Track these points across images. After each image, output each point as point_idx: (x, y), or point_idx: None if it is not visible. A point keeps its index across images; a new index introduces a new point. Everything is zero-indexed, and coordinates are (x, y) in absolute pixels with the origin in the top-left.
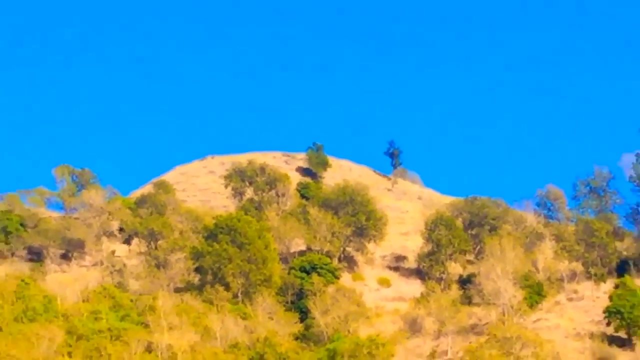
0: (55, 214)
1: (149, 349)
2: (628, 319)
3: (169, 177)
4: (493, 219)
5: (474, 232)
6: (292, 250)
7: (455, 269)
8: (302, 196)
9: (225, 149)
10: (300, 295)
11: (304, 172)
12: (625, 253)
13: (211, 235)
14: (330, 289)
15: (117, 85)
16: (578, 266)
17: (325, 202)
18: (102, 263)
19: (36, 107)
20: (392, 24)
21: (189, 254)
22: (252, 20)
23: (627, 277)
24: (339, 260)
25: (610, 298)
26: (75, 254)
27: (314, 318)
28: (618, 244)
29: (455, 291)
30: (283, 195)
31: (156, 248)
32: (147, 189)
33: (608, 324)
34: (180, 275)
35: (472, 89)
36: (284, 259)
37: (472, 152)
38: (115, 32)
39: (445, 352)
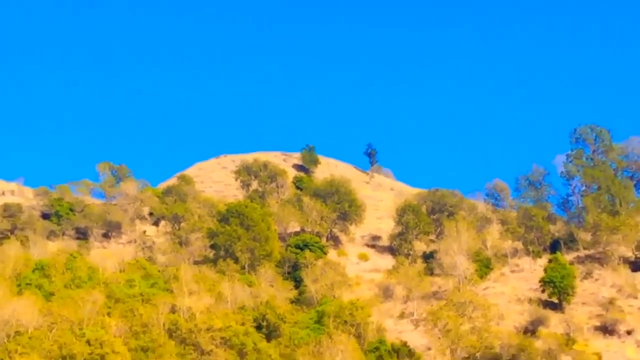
0: (98, 201)
1: (172, 310)
2: (559, 287)
3: (190, 171)
4: (451, 207)
5: (435, 217)
6: (288, 231)
7: (420, 246)
8: (297, 187)
9: (235, 149)
10: (295, 267)
11: (299, 168)
12: (557, 234)
13: (224, 218)
14: (320, 262)
15: (150, 94)
16: (519, 245)
17: (315, 192)
18: (135, 241)
19: (85, 111)
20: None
21: (205, 234)
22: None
23: (558, 253)
24: (327, 239)
25: (545, 270)
26: (113, 234)
27: (306, 286)
28: (551, 227)
29: (420, 264)
30: (282, 186)
31: (179, 229)
32: (172, 181)
33: (543, 291)
34: (198, 251)
35: (436, 97)
36: (282, 238)
37: (435, 151)
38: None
39: (412, 314)
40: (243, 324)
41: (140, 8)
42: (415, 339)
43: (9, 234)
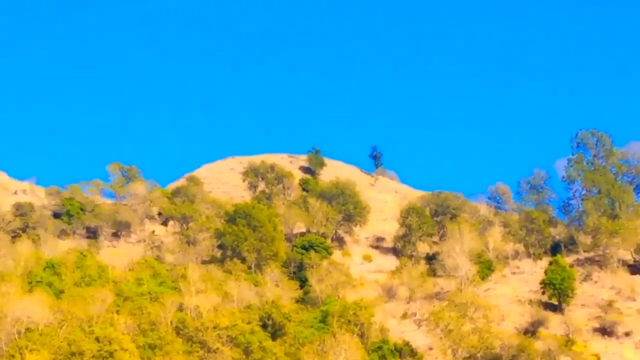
0: (108, 201)
1: (180, 309)
2: (559, 289)
3: (198, 173)
4: (453, 209)
5: (438, 219)
6: (294, 232)
7: (423, 248)
8: (303, 189)
9: (243, 150)
10: (301, 267)
11: (305, 170)
12: (557, 237)
13: (231, 219)
14: (325, 262)
15: (160, 95)
16: (520, 247)
17: (321, 194)
18: (144, 240)
19: (96, 112)
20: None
21: (213, 234)
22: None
23: (558, 256)
24: (332, 240)
25: (545, 272)
26: (123, 233)
27: (311, 286)
28: (552, 230)
29: (423, 266)
30: (288, 188)
31: (187, 229)
32: (181, 182)
33: (543, 293)
34: (206, 251)
35: (439, 101)
36: (288, 239)
37: (439, 154)
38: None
39: (415, 314)
40: (249, 323)
41: (152, 9)
42: (418, 338)
43: (20, 232)
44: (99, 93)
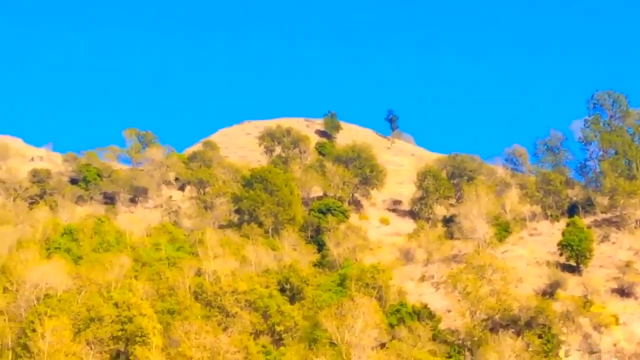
0: (125, 167)
1: (198, 273)
2: (577, 250)
3: (214, 137)
4: (470, 171)
5: (455, 181)
6: (311, 196)
7: (440, 210)
8: (320, 153)
9: (259, 115)
10: (318, 231)
11: (321, 134)
12: (574, 198)
13: (248, 183)
14: (342, 226)
15: (176, 61)
16: (537, 209)
17: (337, 157)
18: (161, 206)
19: (112, 77)
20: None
21: (230, 199)
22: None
23: (576, 217)
24: (349, 203)
25: (563, 234)
26: (140, 199)
27: (328, 249)
28: (569, 191)
29: (440, 228)
30: (304, 152)
31: (204, 194)
32: (197, 147)
33: (561, 254)
34: (223, 215)
35: (455, 64)
36: (305, 203)
37: (455, 117)
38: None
39: (432, 277)
40: (267, 287)
41: None
42: (436, 301)
43: (38, 199)
44: (114, 57)
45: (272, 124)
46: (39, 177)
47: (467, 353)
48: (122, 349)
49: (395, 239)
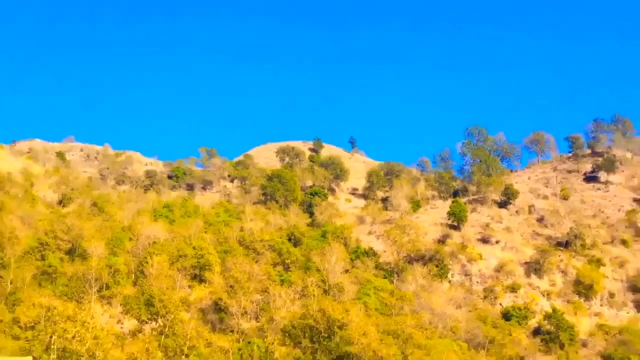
0: (199, 169)
1: (241, 230)
2: (458, 217)
3: (250, 152)
4: (397, 171)
5: (389, 177)
6: (306, 185)
7: (380, 194)
8: (311, 161)
9: (276, 138)
10: (310, 205)
11: (312, 150)
12: (457, 187)
13: (269, 178)
14: (324, 203)
15: (232, 95)
16: (435, 193)
17: (321, 164)
18: (220, 191)
19: (189, 107)
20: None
21: (259, 187)
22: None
23: (457, 198)
24: (327, 190)
25: (450, 207)
26: (208, 187)
27: (316, 216)
28: (453, 183)
29: (380, 204)
30: (302, 160)
31: (245, 184)
32: (240, 158)
33: (449, 219)
34: (256, 197)
35: (393, 105)
36: (303, 189)
37: (389, 138)
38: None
39: (375, 232)
40: (280, 237)
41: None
42: (377, 245)
43: (149, 187)
44: (190, 93)
45: (283, 144)
46: (149, 175)
47: (395, 275)
48: (197, 273)
49: (354, 210)
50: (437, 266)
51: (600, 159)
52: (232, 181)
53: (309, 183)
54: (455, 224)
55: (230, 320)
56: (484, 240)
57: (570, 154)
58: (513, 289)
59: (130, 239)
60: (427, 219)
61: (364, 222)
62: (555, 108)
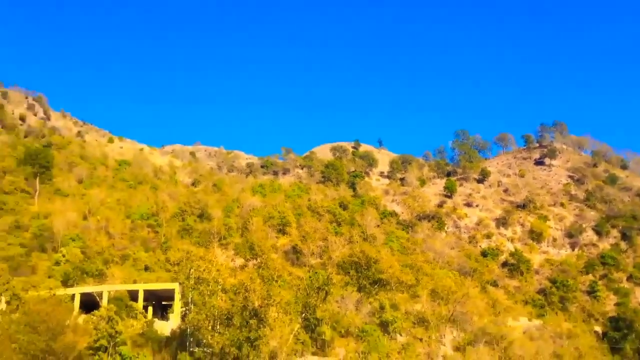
0: (281, 161)
1: (309, 200)
2: (450, 189)
3: (314, 149)
4: (410, 160)
5: (404, 164)
6: (350, 170)
7: (399, 175)
8: (353, 155)
9: (330, 139)
10: (353, 183)
11: (353, 147)
12: (449, 170)
13: (327, 166)
14: (361, 181)
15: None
16: (435, 174)
17: (359, 156)
18: (295, 175)
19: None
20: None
21: (320, 172)
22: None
23: (450, 177)
24: (364, 173)
25: (445, 183)
26: (286, 173)
27: (357, 190)
28: (447, 167)
29: (398, 182)
30: (347, 155)
31: (311, 170)
32: (307, 153)
33: (444, 190)
34: (318, 178)
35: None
36: (348, 173)
37: (405, 137)
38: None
39: (396, 200)
40: (334, 205)
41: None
42: (397, 209)
43: (249, 173)
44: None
45: (334, 144)
46: (249, 165)
47: (410, 228)
48: (281, 228)
49: (382, 186)
50: (437, 222)
51: (545, 149)
52: (302, 169)
53: (352, 169)
54: (449, 194)
55: (303, 259)
56: (468, 205)
57: (525, 147)
58: (488, 236)
59: (238, 207)
60: (430, 191)
61: (389, 193)
62: (514, 112)
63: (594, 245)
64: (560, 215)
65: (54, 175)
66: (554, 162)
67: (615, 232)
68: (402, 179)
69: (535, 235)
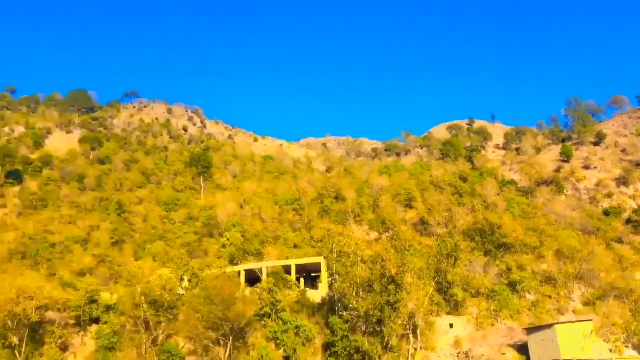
0: (402, 143)
1: (431, 176)
2: (566, 155)
3: (431, 130)
4: (523, 131)
5: (518, 135)
6: (467, 145)
7: (513, 146)
8: (468, 131)
9: (445, 119)
10: (470, 157)
11: (468, 124)
12: (563, 136)
13: (445, 144)
14: (478, 155)
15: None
16: (550, 141)
17: (474, 132)
18: (416, 154)
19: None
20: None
21: (438, 150)
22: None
23: (566, 142)
24: (480, 147)
25: (561, 149)
26: (407, 154)
27: (474, 163)
28: (561, 133)
29: (514, 152)
30: (462, 132)
31: (430, 149)
32: (425, 134)
33: (561, 155)
34: (437, 156)
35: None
36: (465, 148)
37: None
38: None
39: (514, 169)
40: (454, 178)
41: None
42: (515, 177)
43: (374, 157)
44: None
45: (450, 123)
46: (374, 150)
47: (529, 194)
48: (408, 203)
49: (498, 157)
50: (556, 186)
51: None
52: (421, 148)
53: (468, 144)
54: (565, 159)
55: (430, 229)
56: (586, 167)
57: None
58: (609, 195)
59: (368, 188)
60: (546, 157)
61: (505, 164)
62: (626, 74)
63: None
64: None
65: (213, 173)
66: None
67: None
68: (517, 149)
69: None
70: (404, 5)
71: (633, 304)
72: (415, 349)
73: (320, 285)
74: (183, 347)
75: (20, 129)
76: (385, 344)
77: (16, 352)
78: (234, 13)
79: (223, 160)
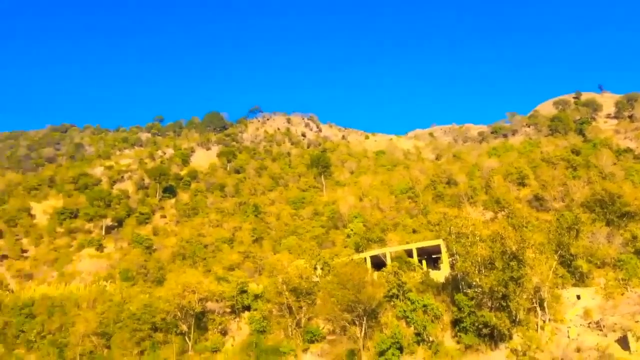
0: (508, 125)
1: (541, 153)
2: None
3: (537, 108)
4: (636, 98)
5: (630, 102)
6: (576, 119)
7: (626, 114)
8: (575, 104)
9: (551, 94)
10: (580, 130)
11: (574, 98)
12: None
13: (552, 119)
14: (589, 127)
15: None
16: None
17: (582, 104)
18: (524, 133)
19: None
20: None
21: (547, 127)
22: None
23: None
24: (590, 118)
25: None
26: (515, 134)
27: (585, 135)
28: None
29: (627, 120)
30: (569, 106)
31: (537, 126)
32: (531, 113)
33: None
34: (545, 132)
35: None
36: (574, 122)
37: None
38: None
39: (628, 137)
40: (567, 152)
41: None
42: (631, 145)
43: (482, 140)
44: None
45: (555, 99)
46: (480, 134)
47: None
48: (521, 181)
49: (610, 127)
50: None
51: None
52: (528, 127)
53: (577, 117)
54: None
55: (546, 204)
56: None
57: None
58: None
59: (478, 170)
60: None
61: (619, 132)
62: None
63: None
64: None
65: (332, 171)
66: None
67: None
68: (630, 117)
69: None
70: None
71: None
72: (544, 321)
73: (441, 265)
74: (323, 328)
75: (169, 151)
76: (512, 318)
77: (186, 338)
78: (331, 38)
79: (339, 159)
